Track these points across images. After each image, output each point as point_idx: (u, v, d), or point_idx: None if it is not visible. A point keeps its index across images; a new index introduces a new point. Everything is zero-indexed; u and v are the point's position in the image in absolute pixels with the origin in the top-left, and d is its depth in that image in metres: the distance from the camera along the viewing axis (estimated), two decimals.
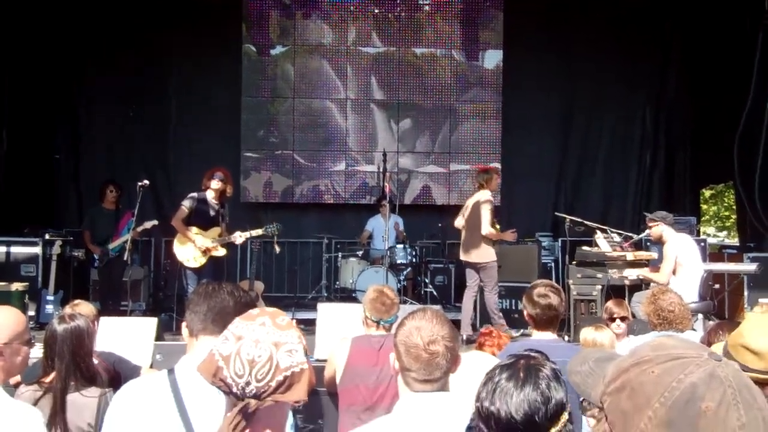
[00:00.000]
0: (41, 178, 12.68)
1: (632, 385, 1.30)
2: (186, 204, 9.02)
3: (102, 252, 10.01)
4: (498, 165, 12.91)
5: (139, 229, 9.18)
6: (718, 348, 3.48)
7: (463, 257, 9.25)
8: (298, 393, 1.94)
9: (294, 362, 1.93)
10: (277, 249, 9.71)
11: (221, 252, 9.08)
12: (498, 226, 9.19)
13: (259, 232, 9.09)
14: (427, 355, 2.37)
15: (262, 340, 1.93)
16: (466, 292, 9.26)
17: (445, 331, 2.44)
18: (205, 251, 8.90)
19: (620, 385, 1.32)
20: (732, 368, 1.27)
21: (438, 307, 8.21)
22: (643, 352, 1.33)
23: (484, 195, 9.02)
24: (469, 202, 9.26)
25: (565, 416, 1.83)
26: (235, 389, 1.90)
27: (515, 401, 1.84)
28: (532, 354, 1.99)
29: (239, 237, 8.98)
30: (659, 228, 8.25)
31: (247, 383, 1.89)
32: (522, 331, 8.83)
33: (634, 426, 1.28)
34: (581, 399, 1.51)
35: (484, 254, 9.04)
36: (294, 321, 2.06)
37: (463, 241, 9.24)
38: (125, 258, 8.87)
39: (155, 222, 9.93)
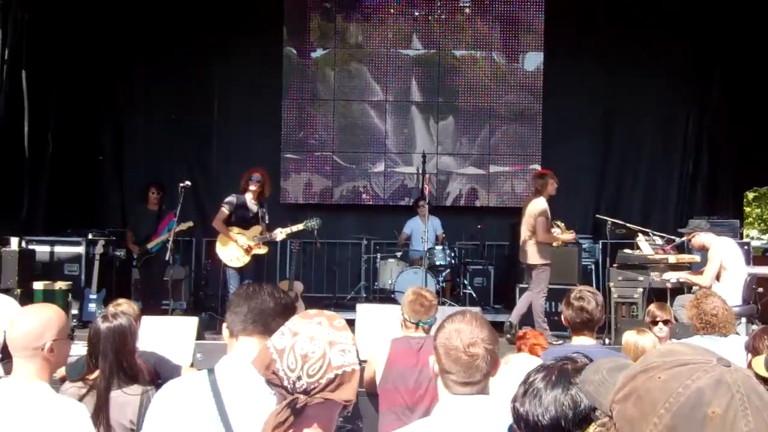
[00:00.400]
0: (86, 180, 12.87)
1: (639, 392, 1.28)
2: (226, 205, 9.15)
3: (141, 251, 10.17)
4: (538, 167, 12.85)
5: (177, 230, 9.29)
6: (760, 359, 3.42)
7: (520, 258, 9.49)
8: (348, 392, 1.95)
9: (346, 362, 1.95)
10: (318, 244, 9.78)
11: (263, 250, 9.19)
12: (560, 226, 9.25)
13: (299, 227, 9.19)
14: (467, 358, 2.36)
15: (317, 338, 1.96)
16: (526, 292, 9.40)
17: (485, 333, 2.42)
18: (248, 249, 9.01)
19: (628, 392, 1.30)
20: (741, 374, 1.24)
21: (477, 309, 8.18)
22: (651, 358, 1.31)
23: (537, 205, 9.16)
24: (525, 206, 9.43)
25: (594, 426, 1.81)
26: (286, 383, 1.93)
27: (544, 403, 1.83)
28: (577, 358, 1.97)
29: (280, 233, 9.08)
30: (698, 238, 8.19)
31: (299, 378, 1.92)
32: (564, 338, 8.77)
33: None
34: (594, 409, 1.49)
35: (534, 255, 9.19)
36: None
37: (520, 242, 9.42)
38: (167, 257, 8.97)
39: (191, 224, 10.06)
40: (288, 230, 9.14)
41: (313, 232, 9.38)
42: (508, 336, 8.72)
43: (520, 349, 5.04)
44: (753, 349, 3.61)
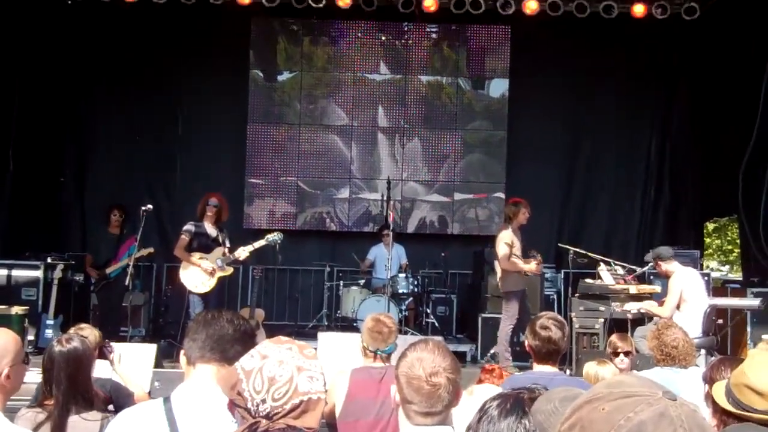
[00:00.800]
0: (46, 201, 12.71)
1: (583, 422, 1.29)
2: (185, 233, 9.16)
3: (99, 275, 10.06)
4: (502, 195, 12.94)
5: (137, 255, 9.22)
6: (720, 386, 3.46)
7: None
8: (311, 420, 1.95)
9: (313, 389, 1.96)
10: (280, 259, 9.79)
11: (228, 271, 9.20)
12: (536, 257, 9.35)
13: (261, 242, 9.20)
14: (429, 387, 2.36)
15: (286, 362, 1.96)
16: None
17: (447, 362, 2.43)
18: (212, 272, 8.98)
19: (573, 423, 1.31)
20: (686, 408, 1.26)
21: (440, 338, 8.19)
22: (598, 389, 1.33)
23: (501, 233, 9.30)
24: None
25: None
26: (250, 404, 1.93)
27: (497, 431, 1.84)
28: (534, 388, 1.99)
29: (243, 252, 9.09)
30: (662, 266, 8.28)
31: (263, 400, 1.92)
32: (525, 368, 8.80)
33: None
34: None
35: (504, 282, 9.29)
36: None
37: None
38: (126, 283, 8.89)
39: (151, 250, 10.03)
40: (250, 247, 9.14)
41: (275, 247, 9.37)
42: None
43: (481, 382, 5.04)
44: (710, 380, 3.63)
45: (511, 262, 9.15)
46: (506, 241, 9.16)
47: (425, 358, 2.41)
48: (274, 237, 9.28)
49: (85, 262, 10.46)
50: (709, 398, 3.63)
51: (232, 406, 1.98)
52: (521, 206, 9.44)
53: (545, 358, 4.27)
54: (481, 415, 1.93)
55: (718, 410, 3.23)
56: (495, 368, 5.31)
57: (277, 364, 1.94)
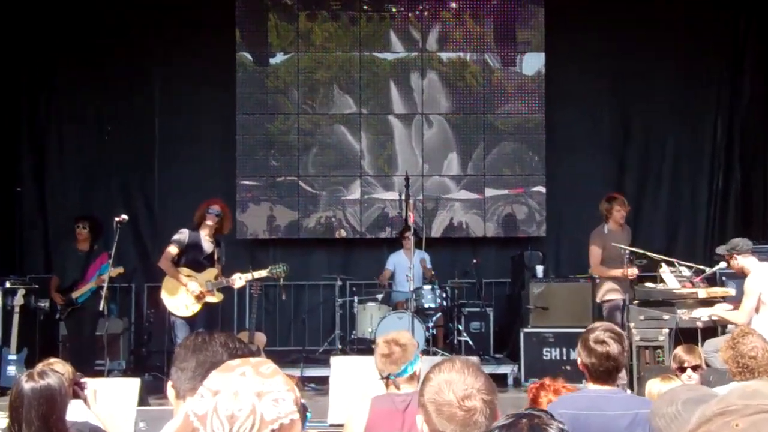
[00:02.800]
0: (1, 216, 12.70)
1: None
2: (175, 243, 9.12)
3: (64, 301, 10.04)
4: (542, 188, 12.93)
5: (104, 276, 9.24)
6: None
7: None
8: None
9: (281, 413, 1.91)
10: (284, 295, 9.76)
11: (217, 297, 9.18)
12: (630, 260, 9.44)
13: (262, 273, 9.20)
14: (463, 413, 2.36)
15: (241, 392, 1.92)
16: None
17: (481, 382, 2.43)
18: (199, 296, 8.96)
19: None
20: None
21: (475, 359, 8.18)
22: (731, 399, 1.32)
23: (593, 233, 9.82)
24: None
25: None
26: None
27: None
28: (536, 413, 2.00)
29: (239, 279, 9.08)
30: (738, 261, 8.22)
31: None
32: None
33: None
34: None
35: (599, 292, 9.75)
36: (299, 378, 2.06)
37: None
38: (101, 308, 8.91)
39: (121, 269, 10.03)
40: (249, 275, 9.15)
41: (279, 280, 9.38)
42: None
43: (536, 401, 4.99)
44: None
45: (598, 268, 9.61)
46: (595, 241, 9.65)
47: (455, 380, 2.41)
48: (279, 269, 9.30)
49: (50, 285, 10.45)
50: None
51: None
52: (614, 202, 9.83)
53: (603, 377, 4.25)
54: None
55: None
56: (543, 382, 5.24)
57: (233, 398, 1.90)
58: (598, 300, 9.78)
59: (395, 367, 4.56)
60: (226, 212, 9.39)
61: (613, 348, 4.19)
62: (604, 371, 4.22)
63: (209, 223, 9.19)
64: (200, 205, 9.36)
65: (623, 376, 6.43)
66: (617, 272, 9.41)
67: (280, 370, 2.02)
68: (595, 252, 9.66)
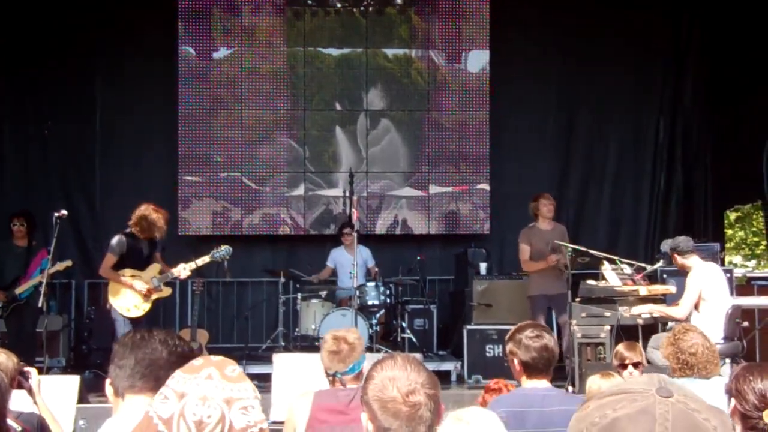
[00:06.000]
0: None
1: (571, 423, 1.33)
2: (114, 248, 9.01)
3: (6, 298, 9.91)
4: (486, 186, 13.00)
5: (51, 271, 9.13)
6: None
7: None
8: None
9: (251, 421, 1.90)
10: (229, 275, 9.74)
11: (165, 292, 9.16)
12: (552, 249, 9.83)
13: (205, 259, 9.19)
14: (408, 408, 2.38)
15: (210, 397, 1.89)
16: None
17: (423, 377, 2.45)
18: (147, 294, 8.90)
19: (572, 424, 1.37)
20: (678, 407, 1.27)
21: (418, 355, 8.19)
22: (605, 389, 1.36)
23: (523, 230, 10.38)
24: None
25: None
26: None
27: None
28: None
29: (183, 270, 9.03)
30: (679, 259, 8.35)
31: None
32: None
33: None
34: None
35: (530, 286, 10.29)
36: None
37: None
38: (40, 305, 8.79)
39: (69, 263, 9.91)
40: (192, 264, 9.10)
41: (223, 262, 9.34)
42: None
43: (486, 404, 5.02)
44: (736, 392, 3.65)
45: (527, 263, 10.15)
46: (523, 239, 10.24)
47: (398, 377, 2.43)
48: (221, 252, 9.25)
49: None
50: (737, 415, 3.66)
51: None
52: (540, 199, 10.35)
53: (543, 371, 4.32)
54: None
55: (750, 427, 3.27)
56: (502, 386, 5.30)
57: (201, 403, 1.88)
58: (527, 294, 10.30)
59: (342, 365, 4.56)
60: (155, 219, 9.12)
61: (549, 340, 4.30)
62: (545, 364, 4.29)
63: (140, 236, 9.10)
64: (133, 214, 9.15)
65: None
66: (541, 264, 9.90)
67: (245, 375, 2.00)
68: (523, 249, 10.21)
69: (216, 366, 1.97)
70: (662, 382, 1.32)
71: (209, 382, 1.92)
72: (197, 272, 9.51)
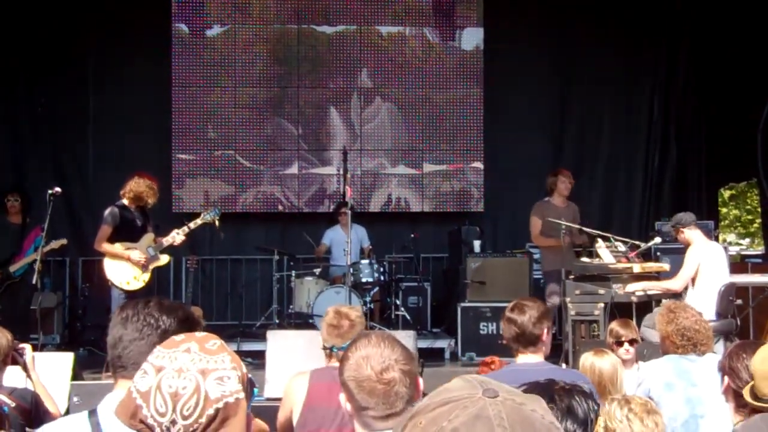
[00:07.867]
0: None
1: None
2: (108, 219, 8.97)
3: (1, 275, 9.91)
4: (480, 164, 13.01)
5: (46, 249, 9.12)
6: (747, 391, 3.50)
7: None
8: (237, 427, 1.92)
9: (227, 391, 1.92)
10: (221, 234, 9.80)
11: (163, 260, 9.15)
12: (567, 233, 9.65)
13: (198, 222, 9.20)
14: (383, 386, 2.40)
15: (186, 369, 1.91)
16: None
17: (398, 353, 2.48)
18: (145, 264, 8.89)
19: None
20: (509, 405, 1.29)
21: (411, 332, 8.21)
22: (423, 401, 1.38)
23: (536, 203, 10.43)
24: None
25: None
26: (158, 431, 1.89)
27: None
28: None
29: (177, 235, 9.05)
30: (684, 234, 8.36)
31: (173, 422, 1.88)
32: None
33: None
34: None
35: (543, 262, 10.57)
36: (238, 353, 2.04)
37: None
38: (34, 282, 8.79)
39: (63, 241, 9.90)
40: (185, 229, 9.10)
41: (215, 223, 9.36)
42: None
43: None
44: (729, 370, 3.68)
45: (537, 238, 10.27)
46: (535, 212, 10.27)
47: (372, 355, 2.46)
48: (212, 213, 9.29)
49: None
50: (729, 392, 3.68)
51: None
52: (560, 174, 10.43)
53: (515, 345, 4.35)
54: None
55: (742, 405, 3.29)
56: (495, 361, 5.35)
57: (177, 375, 1.90)
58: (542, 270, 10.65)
59: (340, 341, 4.57)
60: (145, 189, 9.16)
61: (521, 315, 4.28)
62: (512, 338, 4.33)
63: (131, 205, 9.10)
64: (125, 183, 9.19)
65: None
66: (551, 241, 9.87)
67: (227, 346, 2.01)
68: (534, 222, 10.23)
69: (197, 340, 1.99)
70: (483, 384, 1.34)
71: (187, 355, 1.94)
72: (190, 248, 9.50)
